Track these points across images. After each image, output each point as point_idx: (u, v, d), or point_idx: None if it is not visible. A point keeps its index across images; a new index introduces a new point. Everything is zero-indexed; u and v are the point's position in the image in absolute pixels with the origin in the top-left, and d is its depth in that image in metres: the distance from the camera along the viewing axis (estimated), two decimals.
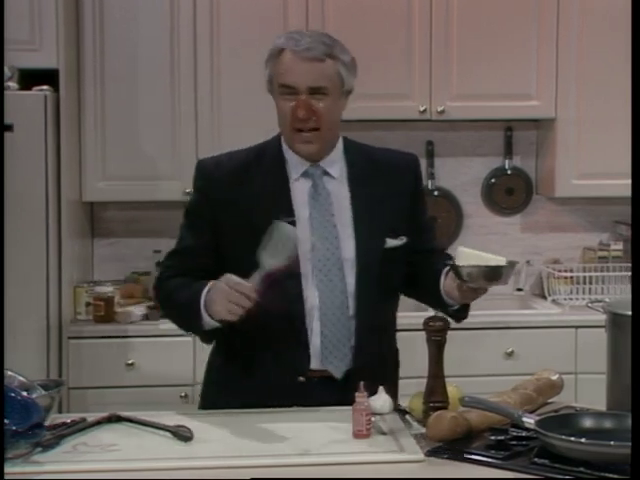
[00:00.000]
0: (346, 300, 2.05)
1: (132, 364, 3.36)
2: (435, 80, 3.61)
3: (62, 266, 3.32)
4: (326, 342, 2.04)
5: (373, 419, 1.84)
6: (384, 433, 1.83)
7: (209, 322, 1.96)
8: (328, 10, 3.57)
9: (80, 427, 1.84)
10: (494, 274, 1.89)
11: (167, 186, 3.59)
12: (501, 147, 3.93)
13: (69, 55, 3.41)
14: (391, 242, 2.07)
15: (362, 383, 1.85)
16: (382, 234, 2.07)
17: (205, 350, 3.33)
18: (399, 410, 1.97)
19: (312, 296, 2.04)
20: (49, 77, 3.30)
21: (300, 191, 2.07)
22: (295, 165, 2.08)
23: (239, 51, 3.56)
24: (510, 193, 3.94)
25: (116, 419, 1.90)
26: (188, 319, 2.02)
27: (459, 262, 1.91)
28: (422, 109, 3.60)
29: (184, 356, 3.38)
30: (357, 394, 1.81)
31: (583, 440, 1.61)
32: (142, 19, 3.55)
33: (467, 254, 1.91)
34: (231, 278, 1.87)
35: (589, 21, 3.62)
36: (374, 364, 2.03)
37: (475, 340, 3.30)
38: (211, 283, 1.94)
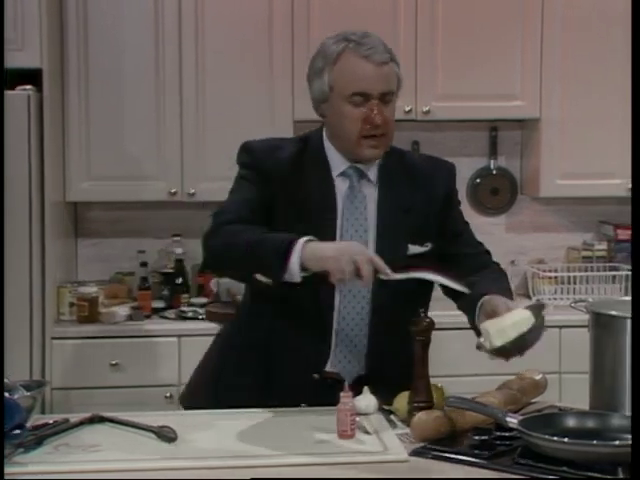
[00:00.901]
0: (366, 306, 2.04)
1: (116, 365, 3.35)
2: (420, 80, 3.61)
3: (45, 266, 3.30)
4: (341, 345, 2.04)
5: (358, 419, 1.83)
6: (368, 433, 1.83)
7: (294, 270, 1.83)
8: (313, 10, 3.57)
9: (62, 428, 1.82)
10: (523, 342, 1.81)
11: (152, 186, 3.58)
12: (486, 147, 3.94)
13: (52, 55, 3.40)
14: (414, 249, 2.04)
15: (346, 384, 1.85)
16: (405, 240, 2.04)
17: (191, 350, 3.35)
18: (384, 410, 1.96)
19: (336, 298, 2.03)
20: (32, 77, 3.28)
21: (338, 190, 2.06)
22: (335, 164, 2.06)
23: (224, 52, 3.56)
24: (495, 193, 3.95)
25: (99, 420, 1.89)
26: (260, 258, 1.88)
27: (485, 341, 1.82)
28: (407, 109, 3.60)
29: (169, 357, 3.37)
30: (342, 394, 1.81)
31: (566, 440, 1.61)
32: (127, 19, 3.53)
33: (490, 328, 1.81)
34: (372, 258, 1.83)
35: (573, 22, 3.64)
36: (388, 371, 2.01)
37: (460, 340, 3.29)
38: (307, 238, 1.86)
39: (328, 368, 2.05)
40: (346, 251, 1.82)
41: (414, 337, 1.91)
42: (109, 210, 3.79)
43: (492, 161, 3.94)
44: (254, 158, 2.06)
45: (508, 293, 2.02)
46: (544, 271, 3.75)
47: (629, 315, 1.80)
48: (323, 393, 1.99)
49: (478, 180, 3.94)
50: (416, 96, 3.62)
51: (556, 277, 3.73)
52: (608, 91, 3.66)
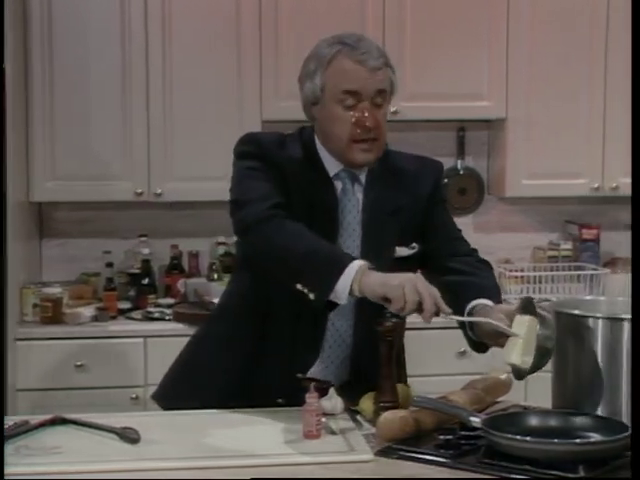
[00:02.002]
0: (354, 309, 2.02)
1: (81, 366, 3.32)
2: None
3: (7, 267, 3.26)
4: (329, 351, 2.04)
5: (324, 420, 1.83)
6: (334, 433, 1.83)
7: (342, 291, 1.79)
8: (281, 10, 3.57)
9: (22, 430, 1.80)
10: (547, 343, 1.78)
11: (118, 186, 3.55)
12: (453, 147, 3.96)
13: (16, 53, 3.35)
14: (401, 251, 2.03)
15: (312, 384, 1.84)
16: (392, 243, 2.02)
17: (158, 351, 3.33)
18: (350, 410, 1.96)
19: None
20: None
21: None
22: (329, 167, 2.02)
23: (191, 51, 3.54)
24: (462, 193, 3.96)
25: (60, 421, 1.87)
26: (312, 273, 1.82)
27: (515, 371, 1.82)
28: None
29: (135, 357, 3.35)
30: (307, 395, 1.80)
31: (528, 439, 1.62)
32: (92, 18, 3.50)
33: (512, 357, 1.81)
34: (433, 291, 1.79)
35: (539, 22, 3.66)
36: (371, 376, 1.97)
37: (428, 340, 3.31)
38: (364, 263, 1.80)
39: (314, 372, 2.02)
40: (411, 282, 1.78)
41: (380, 337, 1.91)
42: (75, 210, 3.75)
43: (459, 161, 3.96)
44: (263, 150, 2.00)
45: (497, 293, 2.02)
46: (511, 271, 3.78)
47: (591, 314, 1.82)
48: (303, 396, 1.98)
49: (446, 180, 3.94)
50: None
51: (522, 276, 3.76)
52: (574, 91, 3.69)
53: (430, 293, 1.78)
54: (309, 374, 2.02)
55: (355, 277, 1.79)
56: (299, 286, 1.83)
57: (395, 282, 1.77)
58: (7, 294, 3.27)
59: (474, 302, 1.93)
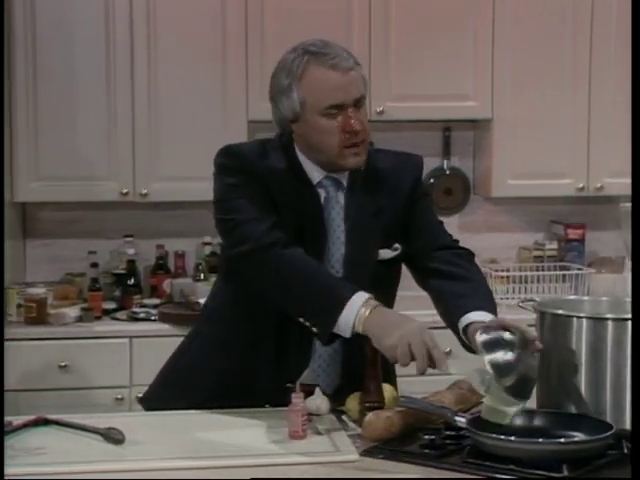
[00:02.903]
0: None
1: (65, 366, 3.31)
2: (374, 81, 3.61)
3: None
4: (319, 360, 2.03)
5: (310, 420, 1.83)
6: (320, 434, 1.83)
7: (345, 326, 1.81)
8: (267, 9, 3.56)
9: (6, 431, 1.78)
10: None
11: (103, 187, 3.54)
12: (439, 147, 3.96)
13: None
14: (385, 254, 2.03)
15: (298, 383, 1.84)
16: (376, 246, 2.02)
17: (143, 351, 3.33)
18: (336, 411, 1.96)
19: None
20: None
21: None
22: (312, 175, 2.01)
23: (177, 51, 3.53)
24: (448, 193, 3.97)
25: (44, 422, 1.86)
26: (318, 305, 1.84)
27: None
28: None
29: (120, 358, 3.34)
30: (293, 395, 1.80)
31: (512, 438, 1.63)
32: (76, 15, 3.49)
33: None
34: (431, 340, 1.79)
35: (524, 23, 3.67)
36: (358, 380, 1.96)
37: None
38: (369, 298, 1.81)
39: (304, 378, 2.00)
40: (405, 340, 1.77)
41: (366, 338, 1.91)
42: (60, 210, 3.73)
43: (445, 161, 3.97)
44: (245, 162, 1.97)
45: (487, 297, 2.01)
46: (496, 271, 3.79)
47: (575, 314, 1.83)
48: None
49: (432, 180, 3.95)
50: (370, 96, 3.59)
51: (508, 277, 3.77)
52: (559, 92, 3.70)
53: (420, 353, 1.77)
54: (300, 380, 1.99)
55: (359, 313, 1.80)
56: (302, 319, 1.86)
57: (394, 338, 1.78)
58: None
59: (466, 319, 1.92)
